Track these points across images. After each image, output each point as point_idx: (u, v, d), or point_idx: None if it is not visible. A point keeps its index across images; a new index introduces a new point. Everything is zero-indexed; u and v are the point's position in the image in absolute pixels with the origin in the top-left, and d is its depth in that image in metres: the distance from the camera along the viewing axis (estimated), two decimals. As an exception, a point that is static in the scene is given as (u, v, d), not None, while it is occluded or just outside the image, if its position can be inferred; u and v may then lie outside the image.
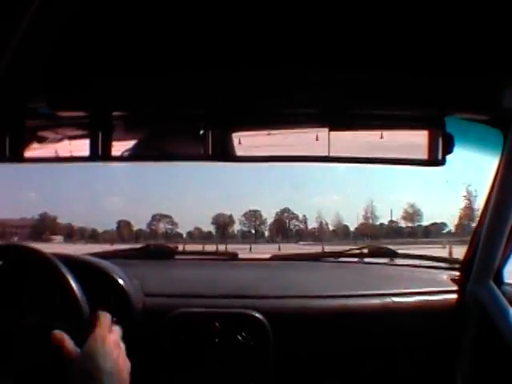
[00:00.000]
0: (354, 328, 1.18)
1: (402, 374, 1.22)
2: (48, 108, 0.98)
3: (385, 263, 1.49)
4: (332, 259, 1.52)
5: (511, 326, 1.11)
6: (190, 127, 1.06)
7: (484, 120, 1.05)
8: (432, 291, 1.25)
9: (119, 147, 1.05)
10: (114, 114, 1.04)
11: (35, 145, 1.09)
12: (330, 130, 1.01)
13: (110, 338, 0.84)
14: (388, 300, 1.20)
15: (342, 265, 1.50)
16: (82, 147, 1.03)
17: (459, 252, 1.39)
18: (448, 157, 0.99)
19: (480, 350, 1.19)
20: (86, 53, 0.83)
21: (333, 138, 1.01)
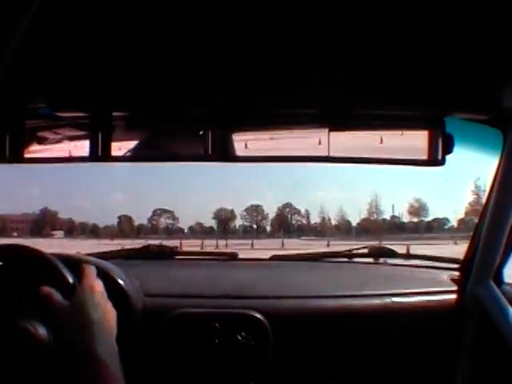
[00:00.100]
0: (354, 328, 1.18)
1: (401, 373, 1.22)
2: (48, 108, 0.99)
3: (385, 263, 1.49)
4: (332, 259, 1.52)
5: (511, 326, 1.11)
6: (190, 127, 1.06)
7: (484, 120, 1.05)
8: (432, 291, 1.25)
9: (119, 147, 1.05)
10: (114, 114, 1.04)
11: (35, 145, 1.09)
12: (330, 131, 1.01)
13: (97, 289, 0.85)
14: (388, 300, 1.20)
15: (342, 265, 1.50)
16: (82, 147, 1.04)
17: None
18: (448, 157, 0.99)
19: (480, 350, 1.19)
20: (86, 53, 0.83)
21: (333, 138, 1.01)
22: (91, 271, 0.89)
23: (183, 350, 1.11)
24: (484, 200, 1.21)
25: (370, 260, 1.49)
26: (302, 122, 1.05)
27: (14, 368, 0.83)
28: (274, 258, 1.56)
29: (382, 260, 1.49)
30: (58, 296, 0.83)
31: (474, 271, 1.23)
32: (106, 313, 0.83)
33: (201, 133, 1.01)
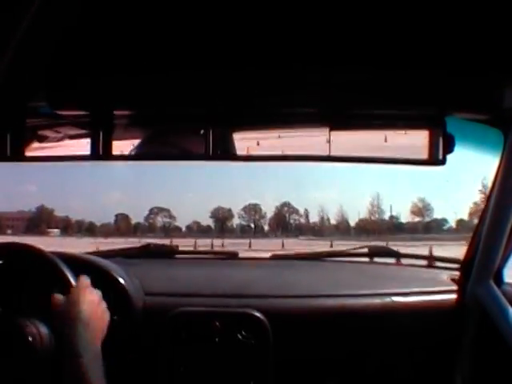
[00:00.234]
0: (354, 327, 1.18)
1: (401, 373, 1.22)
2: (49, 107, 0.99)
3: (385, 263, 1.49)
4: (332, 259, 1.52)
5: (511, 326, 1.11)
6: (190, 127, 1.06)
7: (484, 120, 1.05)
8: (432, 291, 1.25)
9: (120, 146, 1.05)
10: (115, 113, 1.04)
11: (36, 144, 1.10)
12: (331, 130, 1.01)
13: (91, 291, 0.88)
14: (388, 300, 1.20)
15: (341, 264, 1.50)
16: (83, 146, 1.04)
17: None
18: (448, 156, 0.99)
19: (480, 350, 1.19)
20: (86, 52, 0.83)
21: (334, 138, 1.01)
22: (85, 278, 0.92)
23: (183, 348, 1.11)
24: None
25: (370, 260, 1.49)
26: (302, 122, 1.05)
27: (14, 366, 0.83)
28: (274, 257, 1.56)
29: (382, 260, 1.49)
30: (58, 296, 0.84)
31: (474, 271, 1.23)
32: (95, 313, 0.84)
33: (201, 132, 1.01)
